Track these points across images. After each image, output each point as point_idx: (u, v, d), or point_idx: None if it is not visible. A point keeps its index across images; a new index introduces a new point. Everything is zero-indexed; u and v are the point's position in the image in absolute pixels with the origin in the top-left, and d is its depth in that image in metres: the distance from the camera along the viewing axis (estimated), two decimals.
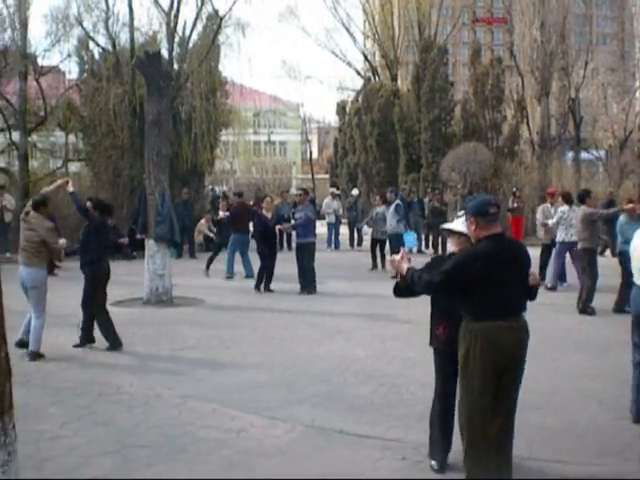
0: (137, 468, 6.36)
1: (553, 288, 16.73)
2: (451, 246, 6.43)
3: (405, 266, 5.92)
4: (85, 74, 28.61)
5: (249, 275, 18.76)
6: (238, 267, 19.20)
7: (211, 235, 23.43)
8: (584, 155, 45.08)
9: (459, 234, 6.19)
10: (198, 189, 30.25)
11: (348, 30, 48.48)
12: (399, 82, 44.14)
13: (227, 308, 14.80)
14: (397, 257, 6.05)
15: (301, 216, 16.67)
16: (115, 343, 10.83)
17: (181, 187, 25.99)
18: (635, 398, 7.58)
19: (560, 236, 16.48)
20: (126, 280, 16.80)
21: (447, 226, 6.52)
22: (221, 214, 20.70)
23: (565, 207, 16.63)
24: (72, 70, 30.35)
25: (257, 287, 16.87)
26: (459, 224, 6.22)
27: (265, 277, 16.90)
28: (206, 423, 7.53)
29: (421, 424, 7.32)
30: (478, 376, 5.62)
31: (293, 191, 35.67)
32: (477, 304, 5.70)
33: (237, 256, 19.29)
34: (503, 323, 5.65)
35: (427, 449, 6.55)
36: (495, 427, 5.66)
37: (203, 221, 25.19)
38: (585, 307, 13.85)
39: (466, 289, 5.68)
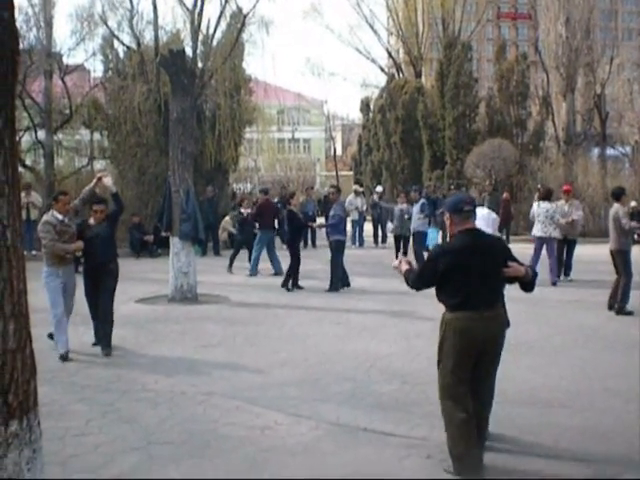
0: (162, 465, 6.37)
1: (554, 284, 17.01)
2: None
3: (404, 268, 6.55)
4: (110, 72, 28.75)
5: (278, 272, 18.78)
6: (261, 264, 19.25)
7: (235, 232, 23.43)
8: (610, 151, 44.77)
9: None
10: (222, 186, 30.31)
11: (372, 27, 48.62)
12: (423, 79, 44.11)
13: (252, 305, 14.81)
14: (396, 263, 6.63)
15: (334, 214, 16.69)
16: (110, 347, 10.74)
17: (205, 185, 26.07)
18: None
19: (539, 231, 17.20)
20: (151, 277, 16.88)
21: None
22: (243, 211, 20.71)
23: (547, 204, 17.31)
24: (97, 68, 30.64)
25: (286, 285, 16.84)
26: (482, 224, 6.52)
27: (293, 274, 16.93)
28: (230, 420, 7.53)
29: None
30: (451, 360, 6.16)
31: (317, 188, 35.75)
32: (450, 295, 6.19)
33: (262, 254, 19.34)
34: (474, 314, 6.09)
35: None
36: (468, 407, 6.11)
37: (227, 218, 25.26)
38: (621, 308, 13.67)
39: (440, 282, 6.20)
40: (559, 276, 17.39)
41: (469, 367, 6.16)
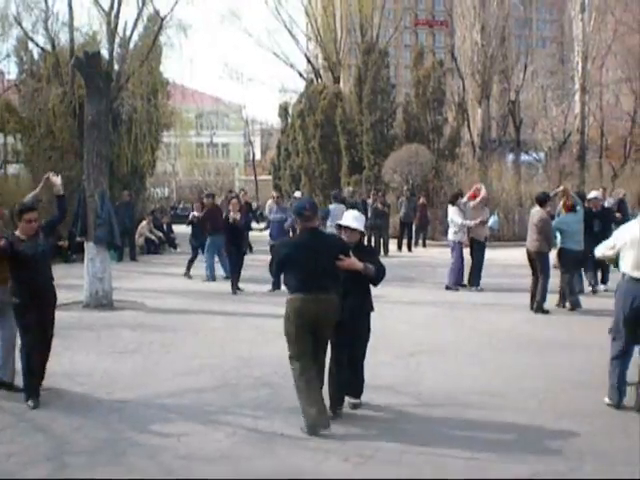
0: (76, 474, 6.26)
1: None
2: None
3: None
4: (24, 74, 28.21)
5: (229, 276, 18.77)
6: (199, 270, 19.29)
7: (152, 237, 23.22)
8: (524, 157, 45.81)
9: (351, 229, 7.88)
10: (139, 191, 30.00)
11: (290, 32, 48.61)
12: (341, 84, 44.33)
13: (168, 311, 14.67)
14: None
15: (278, 217, 16.87)
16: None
17: (122, 189, 25.73)
18: (613, 383, 8.03)
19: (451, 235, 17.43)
20: (65, 283, 16.51)
21: (340, 222, 8.09)
22: (196, 214, 20.46)
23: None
24: (11, 70, 29.98)
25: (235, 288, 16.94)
26: (349, 219, 7.96)
27: (236, 277, 17.03)
28: (146, 428, 7.44)
29: (363, 426, 7.37)
30: (292, 334, 7.47)
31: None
32: (290, 280, 7.59)
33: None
34: (308, 296, 7.36)
35: (370, 450, 6.71)
36: (310, 373, 7.39)
37: (144, 223, 24.99)
38: (539, 304, 14.05)
39: (284, 269, 7.67)
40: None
41: (307, 340, 7.42)
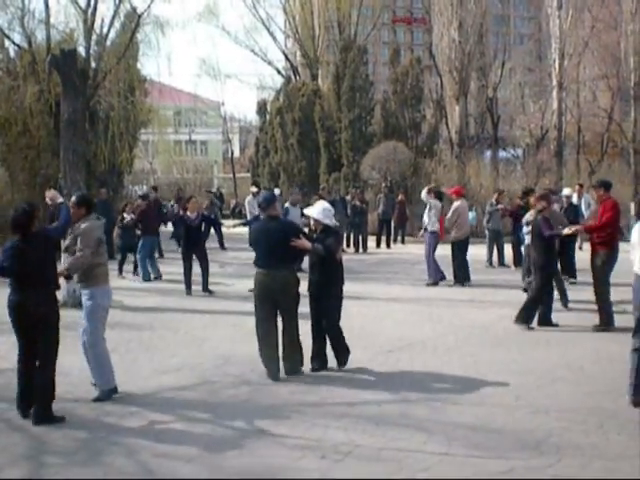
0: (54, 474, 6.25)
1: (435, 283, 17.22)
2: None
3: None
4: (0, 72, 27.97)
5: (157, 277, 18.82)
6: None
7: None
8: (502, 154, 45.95)
9: (315, 220, 9.56)
10: (117, 189, 29.84)
11: (268, 29, 48.52)
12: (320, 81, 44.29)
13: (146, 310, 14.61)
14: None
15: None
16: None
17: (99, 187, 25.57)
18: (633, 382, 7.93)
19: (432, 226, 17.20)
20: None
21: (306, 212, 10.06)
22: (127, 217, 20.25)
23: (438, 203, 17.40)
24: None
25: (189, 290, 16.56)
26: (314, 212, 9.57)
27: (204, 277, 16.64)
28: (124, 426, 7.44)
29: (340, 423, 7.39)
30: (255, 302, 9.40)
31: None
32: (255, 258, 9.46)
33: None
34: (264, 271, 9.20)
35: (348, 446, 6.76)
36: (271, 338, 9.26)
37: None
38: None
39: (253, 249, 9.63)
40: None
41: (265, 308, 9.24)
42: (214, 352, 10.77)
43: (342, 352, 9.58)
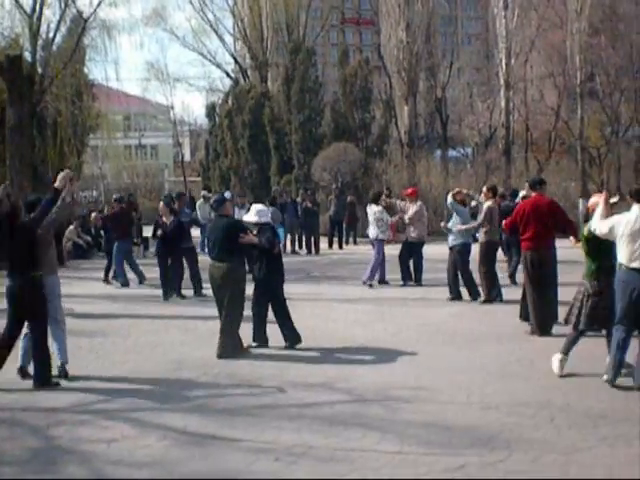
0: None
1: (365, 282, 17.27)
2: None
3: None
4: None
5: (141, 282, 18.57)
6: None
7: (80, 242, 22.89)
8: (451, 153, 46.36)
9: (254, 223, 10.98)
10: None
11: (217, 32, 48.43)
12: (269, 84, 44.29)
13: (97, 316, 14.44)
14: None
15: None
16: None
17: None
18: (614, 364, 8.52)
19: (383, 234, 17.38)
20: None
21: (244, 219, 11.46)
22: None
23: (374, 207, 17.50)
24: None
25: (166, 296, 16.29)
26: (251, 216, 11.04)
27: (176, 282, 16.44)
28: (76, 435, 7.35)
29: (294, 424, 7.39)
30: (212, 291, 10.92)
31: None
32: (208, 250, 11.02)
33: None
34: (211, 263, 10.67)
35: (302, 448, 6.79)
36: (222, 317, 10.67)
37: (72, 227, 24.63)
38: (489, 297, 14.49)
39: None
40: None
41: (215, 295, 10.70)
42: (165, 357, 10.69)
43: (291, 331, 10.88)
